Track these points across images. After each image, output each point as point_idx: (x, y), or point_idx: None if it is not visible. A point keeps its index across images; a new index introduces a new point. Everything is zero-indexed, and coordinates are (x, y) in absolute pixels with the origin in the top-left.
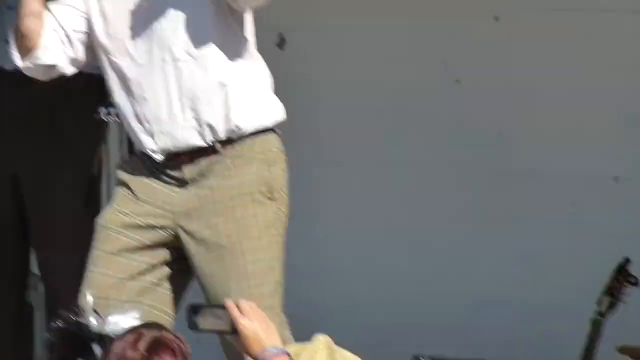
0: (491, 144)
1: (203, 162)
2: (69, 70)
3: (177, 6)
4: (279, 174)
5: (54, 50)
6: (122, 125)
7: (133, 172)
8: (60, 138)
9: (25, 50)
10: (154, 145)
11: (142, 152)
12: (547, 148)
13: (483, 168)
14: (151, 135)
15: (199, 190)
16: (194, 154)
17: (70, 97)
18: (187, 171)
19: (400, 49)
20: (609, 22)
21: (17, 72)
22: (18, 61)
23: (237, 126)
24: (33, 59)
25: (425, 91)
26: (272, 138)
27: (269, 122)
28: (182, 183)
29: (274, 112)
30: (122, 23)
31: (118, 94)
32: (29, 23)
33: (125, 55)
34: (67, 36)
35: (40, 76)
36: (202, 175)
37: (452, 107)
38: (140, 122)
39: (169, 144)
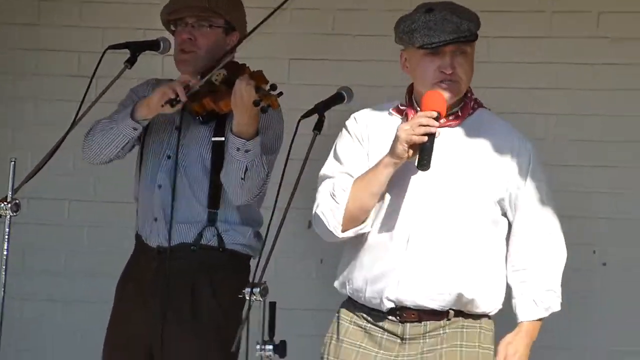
0: None
1: (430, 325)
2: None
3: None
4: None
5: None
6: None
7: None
8: (200, 315)
9: (356, 222)
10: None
11: (359, 306)
12: None
13: None
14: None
15: (421, 352)
16: (422, 314)
17: (213, 274)
18: (411, 329)
19: None
20: None
21: (160, 248)
22: (337, 233)
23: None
24: (359, 229)
25: None
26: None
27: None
28: (399, 340)
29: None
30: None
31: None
32: (374, 202)
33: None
34: None
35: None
36: (424, 336)
37: None
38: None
39: (400, 297)
